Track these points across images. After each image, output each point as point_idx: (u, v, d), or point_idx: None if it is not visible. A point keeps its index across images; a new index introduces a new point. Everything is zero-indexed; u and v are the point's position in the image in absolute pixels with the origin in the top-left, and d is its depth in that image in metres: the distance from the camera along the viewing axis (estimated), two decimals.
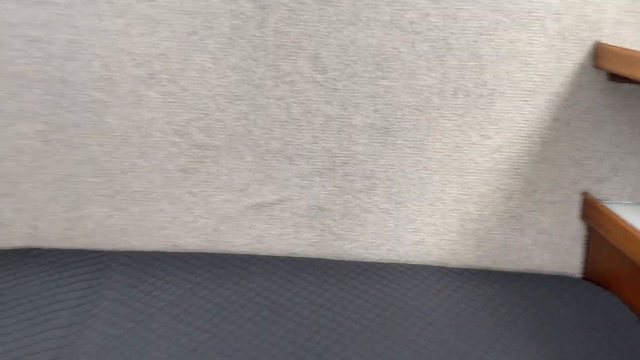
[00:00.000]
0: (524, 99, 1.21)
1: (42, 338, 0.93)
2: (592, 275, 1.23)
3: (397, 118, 1.21)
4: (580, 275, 1.26)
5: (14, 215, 1.21)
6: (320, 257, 1.26)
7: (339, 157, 1.23)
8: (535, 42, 1.18)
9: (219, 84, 1.18)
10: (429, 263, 1.25)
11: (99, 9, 1.14)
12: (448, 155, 1.22)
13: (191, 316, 1.00)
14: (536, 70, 1.19)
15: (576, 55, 1.19)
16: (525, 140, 1.22)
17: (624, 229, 1.07)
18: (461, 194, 1.23)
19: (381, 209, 1.25)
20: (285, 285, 1.12)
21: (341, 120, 1.21)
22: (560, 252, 1.26)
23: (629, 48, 1.13)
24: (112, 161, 1.20)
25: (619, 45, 1.15)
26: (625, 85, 1.20)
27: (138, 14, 1.14)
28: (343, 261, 1.24)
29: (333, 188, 1.24)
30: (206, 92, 1.19)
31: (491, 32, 1.19)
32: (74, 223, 1.22)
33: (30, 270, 1.12)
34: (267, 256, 1.24)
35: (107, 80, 1.17)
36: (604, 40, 1.17)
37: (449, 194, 1.23)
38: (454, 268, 1.23)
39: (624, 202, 1.24)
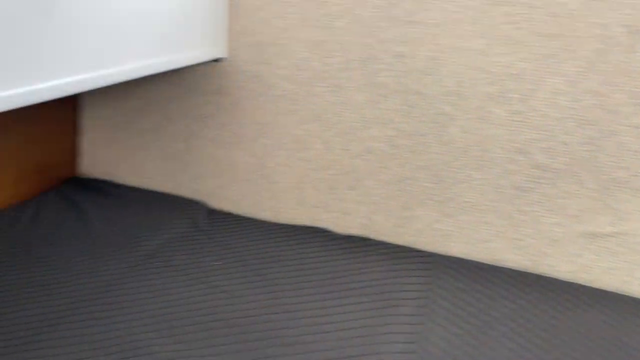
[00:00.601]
0: None
1: (394, 321, 1.04)
2: None
3: None
4: None
5: (355, 207, 1.38)
6: None
7: None
8: None
9: (570, 107, 1.18)
10: None
11: (463, 29, 1.23)
12: None
13: (529, 333, 1.02)
14: None
15: None
16: None
17: None
18: None
19: None
20: (626, 325, 1.06)
21: None
22: None
23: None
24: (449, 170, 1.29)
25: None
26: None
27: (500, 35, 1.20)
28: None
29: None
30: (555, 114, 1.19)
31: None
32: (404, 221, 1.34)
33: (368, 258, 1.26)
34: (592, 288, 1.19)
35: (458, 95, 1.25)
36: None
37: None
38: None
39: None
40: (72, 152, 1.62)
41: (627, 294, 1.18)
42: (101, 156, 1.59)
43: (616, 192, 1.17)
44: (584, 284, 1.20)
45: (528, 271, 1.24)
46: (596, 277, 1.20)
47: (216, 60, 1.43)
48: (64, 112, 1.58)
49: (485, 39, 1.21)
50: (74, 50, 0.96)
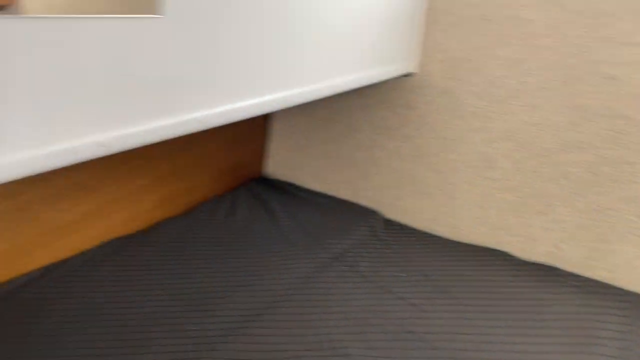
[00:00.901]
0: None
1: None
2: None
3: None
4: None
5: (543, 233, 1.32)
6: None
7: None
8: None
9: None
10: None
11: None
12: None
13: None
14: None
15: None
16: None
17: None
18: None
19: None
20: None
21: None
22: None
23: None
24: None
25: None
26: None
27: None
28: None
29: None
30: None
31: None
32: (599, 255, 1.25)
33: (559, 289, 1.20)
34: None
35: None
36: None
37: None
38: None
39: None
40: (260, 154, 1.75)
41: None
42: (286, 160, 1.70)
43: None
44: None
45: None
46: None
47: (406, 75, 1.46)
48: (256, 118, 1.72)
49: None
50: (292, 68, 1.04)
